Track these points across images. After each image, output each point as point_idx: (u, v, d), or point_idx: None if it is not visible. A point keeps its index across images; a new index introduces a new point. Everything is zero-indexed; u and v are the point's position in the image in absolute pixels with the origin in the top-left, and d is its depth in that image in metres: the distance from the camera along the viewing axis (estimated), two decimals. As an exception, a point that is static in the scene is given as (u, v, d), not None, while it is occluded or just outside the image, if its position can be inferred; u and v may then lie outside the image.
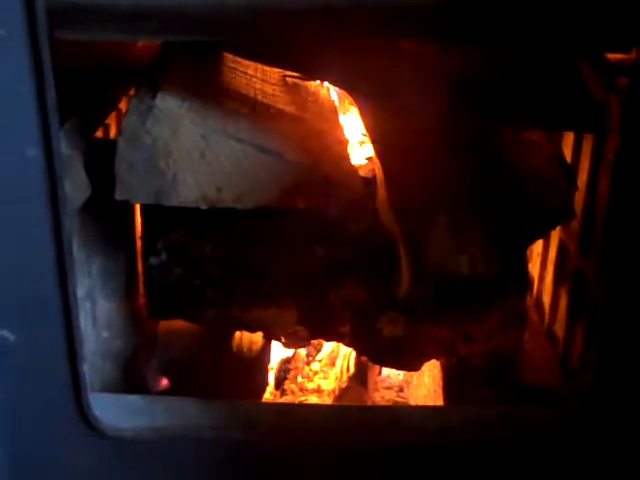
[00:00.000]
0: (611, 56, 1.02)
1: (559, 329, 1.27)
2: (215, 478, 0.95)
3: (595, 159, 1.13)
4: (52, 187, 0.80)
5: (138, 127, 1.00)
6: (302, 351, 1.47)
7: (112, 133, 1.31)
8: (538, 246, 1.37)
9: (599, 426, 0.96)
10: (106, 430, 0.92)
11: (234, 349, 1.27)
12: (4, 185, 0.81)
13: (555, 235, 1.29)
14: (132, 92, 1.15)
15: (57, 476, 0.95)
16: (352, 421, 1.00)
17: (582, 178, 1.16)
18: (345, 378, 1.43)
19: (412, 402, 1.37)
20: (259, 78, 1.22)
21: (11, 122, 0.78)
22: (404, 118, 1.05)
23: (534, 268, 1.39)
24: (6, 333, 0.86)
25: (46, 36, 0.76)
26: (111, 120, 1.30)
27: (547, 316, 1.32)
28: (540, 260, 1.37)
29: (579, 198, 1.14)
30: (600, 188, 1.10)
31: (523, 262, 1.11)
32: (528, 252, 1.16)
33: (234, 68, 1.20)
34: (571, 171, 1.13)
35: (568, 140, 1.23)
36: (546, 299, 1.34)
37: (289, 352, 1.46)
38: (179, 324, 1.22)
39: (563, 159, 1.13)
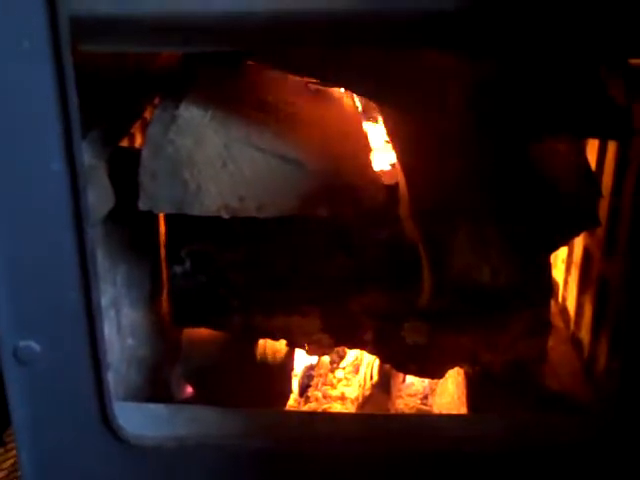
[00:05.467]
0: (634, 61, 1.01)
1: (584, 336, 1.26)
2: (238, 487, 0.96)
3: (620, 164, 1.12)
4: (75, 200, 0.81)
5: (161, 137, 1.01)
6: (326, 358, 1.47)
7: (137, 142, 1.33)
8: (563, 252, 1.36)
9: (624, 435, 0.95)
10: (129, 439, 0.92)
11: (258, 357, 1.27)
12: (28, 198, 0.81)
13: (580, 241, 1.28)
14: (157, 101, 1.15)
15: (82, 484, 0.96)
16: (376, 430, 1.00)
17: (607, 183, 1.15)
18: (369, 386, 1.43)
19: (436, 410, 1.36)
20: (282, 85, 1.22)
21: (34, 137, 0.79)
22: (427, 126, 1.05)
23: (559, 274, 1.38)
24: (32, 344, 0.87)
25: (69, 49, 0.77)
26: (136, 129, 1.31)
27: (572, 323, 1.32)
28: (565, 266, 1.36)
29: (604, 204, 1.13)
30: (625, 193, 1.10)
31: (546, 269, 1.10)
32: (553, 258, 1.15)
33: (258, 76, 1.20)
34: (595, 178, 1.12)
35: (592, 145, 1.22)
36: (571, 305, 1.33)
37: (313, 360, 1.46)
38: (203, 332, 1.22)
39: (587, 165, 1.12)
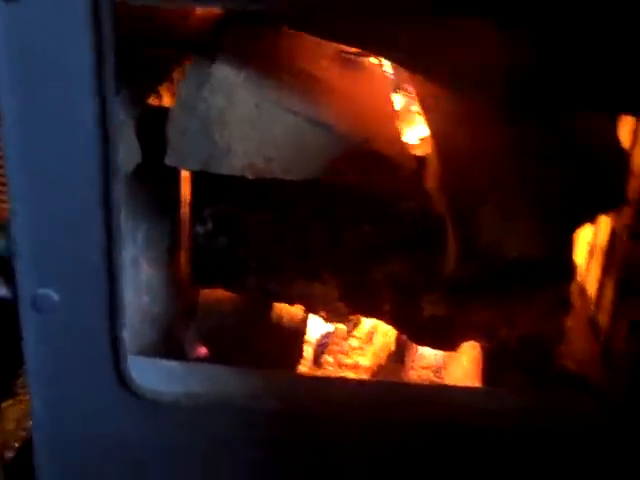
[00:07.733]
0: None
1: (603, 318, 1.25)
2: (250, 447, 0.96)
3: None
4: (105, 154, 0.81)
5: (194, 94, 1.01)
6: (342, 327, 1.47)
7: (164, 101, 1.32)
8: (587, 232, 1.35)
9: (635, 420, 0.95)
10: (143, 393, 0.92)
11: (273, 320, 1.27)
12: (58, 150, 0.81)
13: (606, 221, 1.26)
14: (186, 61, 1.15)
15: (93, 435, 0.96)
16: (388, 396, 1.00)
17: (638, 162, 1.13)
18: (383, 356, 1.43)
19: (448, 383, 1.36)
20: (315, 51, 1.21)
21: (68, 88, 0.78)
22: (460, 97, 1.04)
23: (581, 255, 1.37)
24: (51, 292, 0.87)
25: (108, 1, 0.76)
26: (163, 88, 1.30)
27: (592, 304, 1.30)
28: (589, 247, 1.35)
29: (634, 183, 1.11)
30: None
31: (570, 247, 1.10)
32: (575, 237, 1.14)
33: (290, 41, 1.19)
34: (626, 155, 1.10)
35: (625, 123, 1.20)
36: (592, 287, 1.32)
37: (328, 327, 1.46)
38: (220, 293, 1.23)
39: (618, 142, 1.11)
